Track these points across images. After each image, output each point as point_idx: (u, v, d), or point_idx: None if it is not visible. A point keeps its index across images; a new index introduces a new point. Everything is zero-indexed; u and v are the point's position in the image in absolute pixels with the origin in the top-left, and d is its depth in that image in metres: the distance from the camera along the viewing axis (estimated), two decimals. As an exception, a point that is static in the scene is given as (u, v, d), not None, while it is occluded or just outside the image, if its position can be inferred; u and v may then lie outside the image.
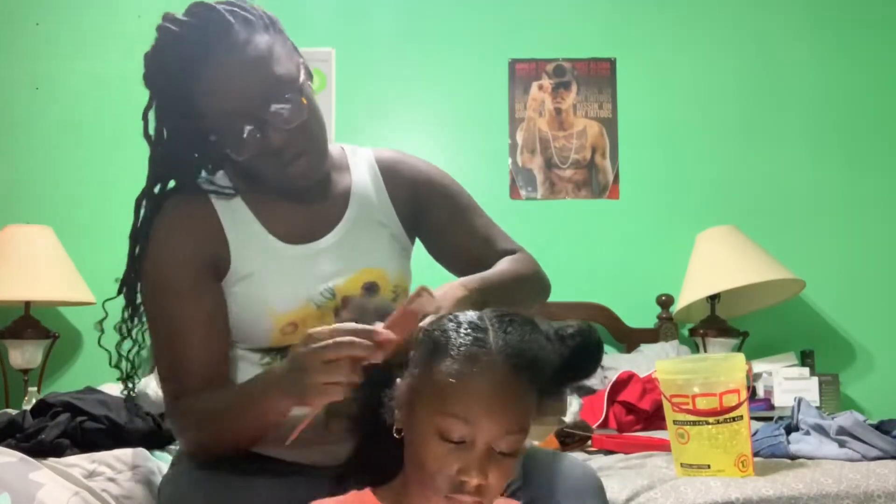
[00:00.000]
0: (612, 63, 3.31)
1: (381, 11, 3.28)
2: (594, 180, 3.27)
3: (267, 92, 1.22)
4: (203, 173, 1.36)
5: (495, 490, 0.92)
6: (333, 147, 1.42)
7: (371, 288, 1.31)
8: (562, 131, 3.29)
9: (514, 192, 3.26)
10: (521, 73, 3.30)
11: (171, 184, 1.34)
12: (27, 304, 2.83)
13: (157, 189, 1.33)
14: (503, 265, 1.36)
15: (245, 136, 1.22)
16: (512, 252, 1.42)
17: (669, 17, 3.32)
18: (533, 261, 1.43)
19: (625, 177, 3.26)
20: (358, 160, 1.43)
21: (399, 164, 1.44)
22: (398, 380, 0.97)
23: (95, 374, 2.33)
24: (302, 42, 1.36)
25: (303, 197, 1.33)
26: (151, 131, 1.30)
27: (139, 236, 1.30)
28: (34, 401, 2.56)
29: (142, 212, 1.32)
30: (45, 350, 2.87)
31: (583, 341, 1.00)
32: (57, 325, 2.95)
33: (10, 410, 2.48)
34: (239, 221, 1.30)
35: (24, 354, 2.81)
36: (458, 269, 1.40)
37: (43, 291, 2.80)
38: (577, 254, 3.19)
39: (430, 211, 1.42)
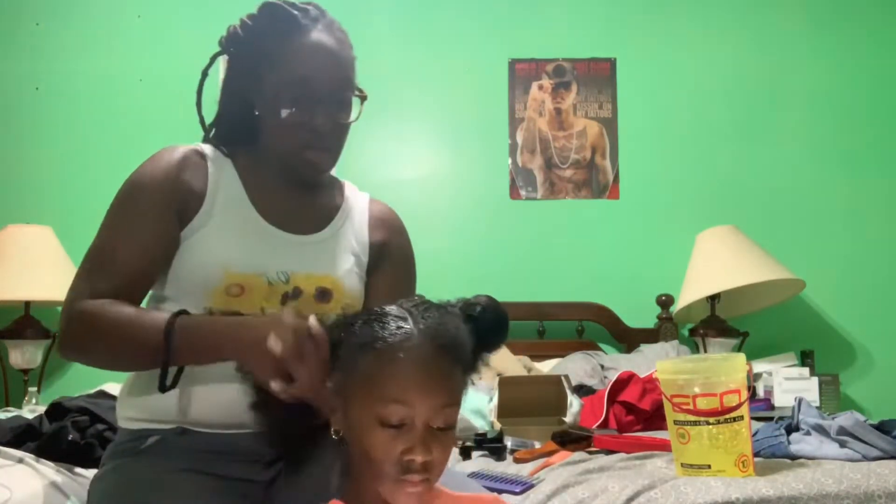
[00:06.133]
0: (612, 63, 3.31)
1: (381, 11, 3.28)
2: (594, 180, 3.27)
3: (341, 84, 1.36)
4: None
5: (440, 464, 0.97)
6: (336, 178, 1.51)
7: (325, 294, 1.34)
8: (562, 131, 3.29)
9: (514, 192, 3.26)
10: (521, 73, 3.30)
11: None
12: (27, 304, 2.83)
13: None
14: None
15: (294, 109, 1.31)
16: None
17: (669, 17, 3.32)
18: None
19: (625, 177, 3.26)
20: (354, 193, 1.51)
21: (386, 216, 1.51)
22: (328, 384, 1.01)
23: (95, 375, 2.32)
24: (302, 42, 1.37)
25: (299, 192, 1.40)
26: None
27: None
28: (34, 401, 2.57)
29: None
30: (45, 350, 2.87)
31: (489, 317, 1.05)
32: (57, 325, 2.94)
33: (10, 409, 2.48)
34: (225, 182, 1.35)
35: (24, 354, 2.81)
36: None
37: (43, 291, 2.79)
38: (577, 254, 3.19)
39: (380, 268, 1.46)
